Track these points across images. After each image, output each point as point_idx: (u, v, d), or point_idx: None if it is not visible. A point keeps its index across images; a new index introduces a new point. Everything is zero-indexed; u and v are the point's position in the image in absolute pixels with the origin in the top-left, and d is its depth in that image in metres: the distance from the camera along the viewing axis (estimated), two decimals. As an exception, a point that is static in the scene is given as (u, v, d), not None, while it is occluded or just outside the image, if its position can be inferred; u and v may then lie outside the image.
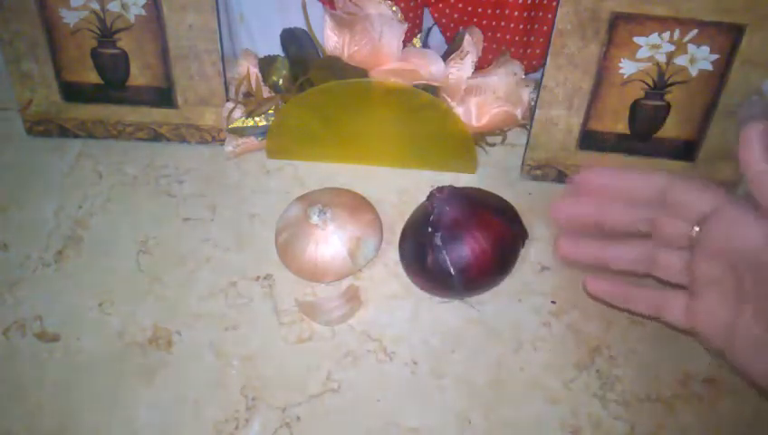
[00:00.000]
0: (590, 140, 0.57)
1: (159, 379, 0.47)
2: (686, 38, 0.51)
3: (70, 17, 0.57)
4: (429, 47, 0.60)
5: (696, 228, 0.35)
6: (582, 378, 0.47)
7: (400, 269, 0.52)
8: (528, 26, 0.60)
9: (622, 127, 0.56)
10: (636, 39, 0.52)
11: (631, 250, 0.40)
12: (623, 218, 0.39)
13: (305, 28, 0.58)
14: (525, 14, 0.60)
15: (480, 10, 0.60)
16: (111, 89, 0.60)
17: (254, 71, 0.60)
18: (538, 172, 0.59)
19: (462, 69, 0.57)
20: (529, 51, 0.62)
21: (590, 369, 0.48)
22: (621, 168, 0.39)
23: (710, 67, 0.52)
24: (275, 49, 0.60)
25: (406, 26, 0.56)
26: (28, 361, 0.48)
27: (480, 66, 0.60)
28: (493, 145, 0.62)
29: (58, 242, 0.55)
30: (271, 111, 0.59)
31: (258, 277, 0.52)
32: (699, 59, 0.52)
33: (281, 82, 0.59)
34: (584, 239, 0.41)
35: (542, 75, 0.54)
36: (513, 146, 0.61)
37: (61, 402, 0.46)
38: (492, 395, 0.46)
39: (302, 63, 0.58)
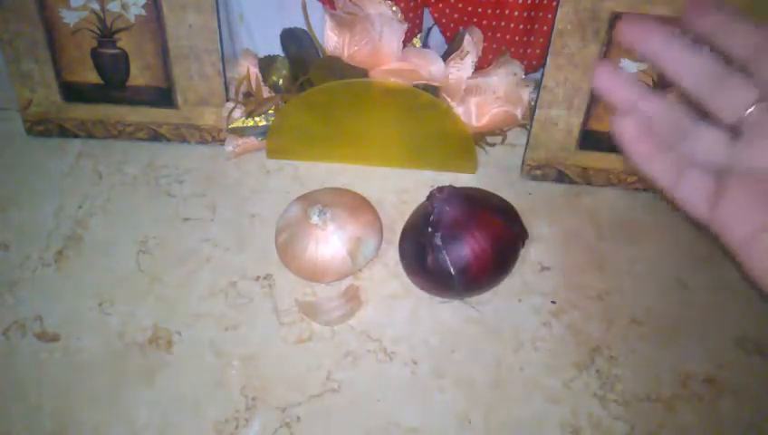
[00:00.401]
0: (590, 140, 0.57)
1: (159, 379, 0.47)
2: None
3: (70, 17, 0.57)
4: (429, 47, 0.60)
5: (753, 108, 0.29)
6: (582, 378, 0.47)
7: (400, 269, 0.52)
8: (528, 26, 0.60)
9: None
10: (636, 39, 0.52)
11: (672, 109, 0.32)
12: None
13: (305, 28, 0.58)
14: (525, 14, 0.60)
15: (480, 10, 0.60)
16: (111, 89, 0.60)
17: (254, 71, 0.60)
18: (538, 172, 0.59)
19: (462, 69, 0.57)
20: (529, 51, 0.62)
21: (590, 369, 0.48)
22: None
23: None
24: (275, 49, 0.60)
25: (406, 26, 0.56)
26: (28, 361, 0.48)
27: (480, 66, 0.60)
28: (493, 145, 0.62)
29: (58, 242, 0.55)
30: (271, 111, 0.59)
31: (258, 277, 0.52)
32: None
33: (281, 82, 0.59)
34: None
35: (542, 75, 0.54)
36: (513, 146, 0.61)
37: (61, 402, 0.46)
38: (492, 395, 0.46)
39: (302, 63, 0.58)
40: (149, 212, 0.57)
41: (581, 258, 0.54)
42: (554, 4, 0.53)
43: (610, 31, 0.51)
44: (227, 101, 0.60)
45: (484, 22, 0.60)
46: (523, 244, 0.51)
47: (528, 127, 0.58)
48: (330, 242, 0.50)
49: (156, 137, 0.62)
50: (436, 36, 0.63)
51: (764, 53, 0.29)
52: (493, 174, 0.60)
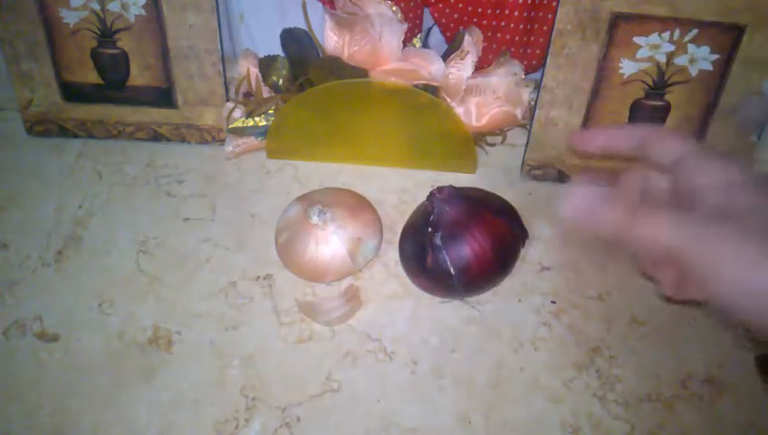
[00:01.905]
0: (590, 140, 0.57)
1: (159, 379, 0.47)
2: (686, 38, 0.51)
3: (70, 17, 0.57)
4: (429, 47, 0.60)
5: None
6: (582, 378, 0.47)
7: (400, 269, 0.52)
8: (528, 26, 0.60)
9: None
10: (636, 39, 0.52)
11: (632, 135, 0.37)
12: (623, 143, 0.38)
13: (305, 28, 0.58)
14: (525, 14, 0.60)
15: (480, 10, 0.60)
16: (111, 89, 0.60)
17: (254, 71, 0.60)
18: (538, 172, 0.59)
19: (462, 69, 0.57)
20: (529, 51, 0.62)
21: (590, 369, 0.48)
22: (609, 126, 0.39)
23: (710, 67, 0.52)
24: (275, 49, 0.60)
25: (406, 26, 0.56)
26: (28, 361, 0.48)
27: (480, 66, 0.60)
28: (493, 145, 0.62)
29: (58, 242, 0.55)
30: (271, 111, 0.59)
31: (258, 277, 0.52)
32: (699, 59, 0.52)
33: (281, 82, 0.59)
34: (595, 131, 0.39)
35: (542, 75, 0.54)
36: (513, 146, 0.61)
37: (60, 402, 0.46)
38: (492, 395, 0.46)
39: (302, 63, 0.58)
40: (149, 212, 0.57)
41: (581, 258, 0.54)
42: (554, 4, 0.53)
43: (610, 31, 0.51)
44: (227, 101, 0.60)
45: (484, 22, 0.60)
46: (524, 244, 0.51)
47: (528, 127, 0.58)
48: (330, 242, 0.50)
49: (156, 137, 0.62)
50: (436, 36, 0.63)
51: (650, 144, 0.36)
52: (493, 174, 0.60)
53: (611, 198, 0.35)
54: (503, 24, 0.61)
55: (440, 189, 0.48)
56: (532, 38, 0.61)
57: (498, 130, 0.61)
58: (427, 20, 0.62)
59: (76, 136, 0.62)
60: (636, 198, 0.38)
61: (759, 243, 0.31)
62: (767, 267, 0.30)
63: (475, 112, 0.59)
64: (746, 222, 0.32)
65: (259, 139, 0.60)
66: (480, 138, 0.60)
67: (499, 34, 0.61)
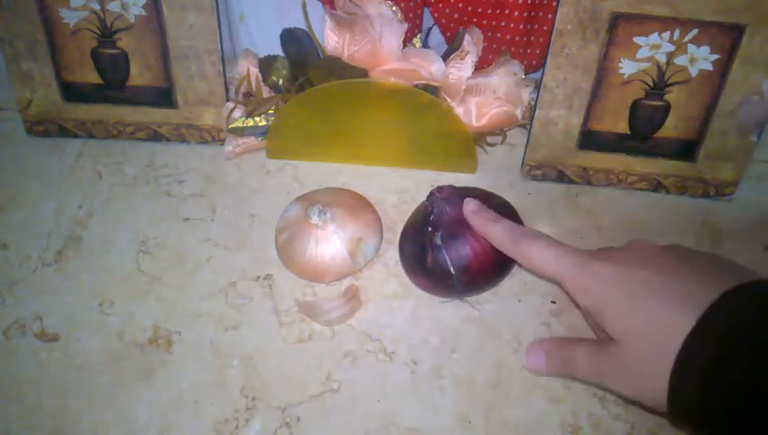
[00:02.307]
0: (590, 140, 0.57)
1: (159, 379, 0.47)
2: (686, 38, 0.51)
3: (70, 17, 0.57)
4: (429, 47, 0.60)
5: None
6: (582, 378, 0.47)
7: (400, 269, 0.52)
8: (528, 26, 0.60)
9: (622, 127, 0.56)
10: (636, 39, 0.52)
11: None
12: None
13: (305, 28, 0.58)
14: (525, 14, 0.60)
15: (480, 10, 0.60)
16: (111, 89, 0.60)
17: (254, 71, 0.60)
18: (538, 172, 0.59)
19: (462, 69, 0.57)
20: (529, 51, 0.62)
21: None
22: (486, 223, 0.46)
23: (710, 67, 0.52)
24: (275, 49, 0.60)
25: (406, 26, 0.56)
26: (28, 361, 0.48)
27: (480, 66, 0.60)
28: (493, 145, 0.62)
29: (58, 242, 0.55)
30: (271, 111, 0.59)
31: (258, 277, 0.52)
32: (699, 59, 0.52)
33: (281, 82, 0.59)
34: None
35: (542, 75, 0.54)
36: (513, 146, 0.61)
37: (60, 402, 0.46)
38: (492, 395, 0.46)
39: (302, 63, 0.58)
40: (149, 212, 0.57)
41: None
42: (554, 4, 0.53)
43: (610, 31, 0.51)
44: (227, 101, 0.60)
45: (484, 22, 0.60)
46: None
47: (528, 127, 0.58)
48: (330, 242, 0.50)
49: (156, 137, 0.62)
50: (436, 36, 0.63)
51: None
52: (493, 174, 0.60)
53: (553, 349, 0.45)
54: (503, 24, 0.61)
55: (440, 189, 0.48)
56: (532, 38, 0.61)
57: (498, 130, 0.61)
58: (427, 20, 0.62)
59: (76, 136, 0.62)
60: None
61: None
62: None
63: (475, 112, 0.59)
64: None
65: (259, 139, 0.60)
66: (480, 138, 0.60)
67: (499, 34, 0.61)
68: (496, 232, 0.45)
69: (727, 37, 0.51)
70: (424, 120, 0.57)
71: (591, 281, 0.40)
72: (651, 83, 0.54)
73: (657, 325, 0.37)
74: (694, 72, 0.53)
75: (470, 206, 0.47)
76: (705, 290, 0.36)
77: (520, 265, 0.48)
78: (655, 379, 0.36)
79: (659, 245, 0.43)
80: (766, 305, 0.35)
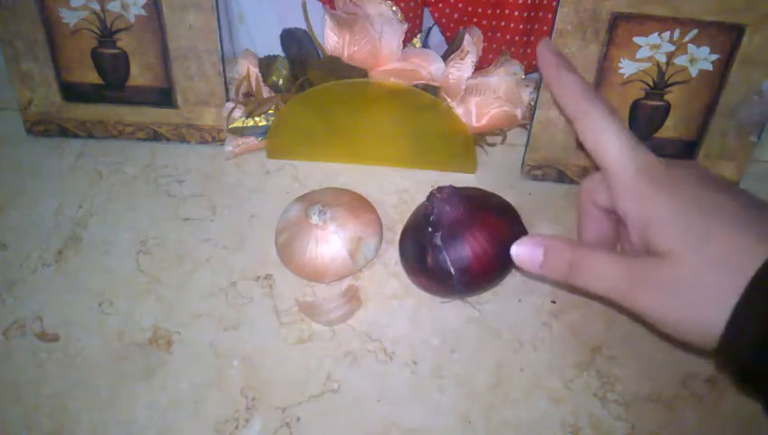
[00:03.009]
0: (591, 140, 0.57)
1: (159, 379, 0.47)
2: (687, 38, 0.51)
3: (70, 17, 0.57)
4: (429, 47, 0.60)
5: None
6: (583, 378, 0.47)
7: (400, 269, 0.52)
8: (528, 26, 0.60)
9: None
10: (636, 39, 0.52)
11: None
12: None
13: (305, 28, 0.58)
14: (525, 14, 0.60)
15: (480, 10, 0.60)
16: (111, 89, 0.60)
17: (254, 71, 0.60)
18: (538, 172, 0.59)
19: (462, 69, 0.57)
20: (529, 51, 0.62)
21: (591, 369, 0.48)
22: (559, 66, 0.41)
23: (710, 67, 0.52)
24: (275, 49, 0.60)
25: (406, 26, 0.56)
26: (28, 361, 0.48)
27: (480, 66, 0.60)
28: (493, 145, 0.62)
29: (58, 242, 0.55)
30: (271, 111, 0.59)
31: (258, 277, 0.52)
32: (699, 59, 0.52)
33: (281, 82, 0.59)
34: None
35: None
36: (513, 146, 0.61)
37: (60, 402, 0.46)
38: (492, 395, 0.46)
39: (302, 63, 0.58)
40: (149, 212, 0.57)
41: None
42: (554, 4, 0.53)
43: (610, 31, 0.51)
44: (227, 101, 0.60)
45: (485, 22, 0.61)
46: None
47: (528, 127, 0.58)
48: (330, 242, 0.50)
49: (156, 137, 0.62)
50: (436, 36, 0.63)
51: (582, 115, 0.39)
52: (493, 174, 0.60)
53: (555, 248, 0.38)
54: (503, 23, 0.61)
55: (440, 189, 0.48)
56: (532, 38, 0.61)
57: (498, 130, 0.61)
58: (427, 20, 0.62)
59: (76, 136, 0.62)
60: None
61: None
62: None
63: (475, 112, 0.59)
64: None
65: (259, 139, 0.60)
66: (480, 138, 0.60)
67: (499, 34, 0.61)
68: (568, 80, 0.39)
69: (727, 37, 0.51)
70: (424, 120, 0.57)
71: (653, 186, 0.34)
72: (651, 84, 0.54)
73: (729, 248, 0.31)
74: (694, 72, 0.53)
75: (545, 45, 0.42)
76: None
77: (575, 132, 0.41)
78: (711, 305, 0.31)
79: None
80: None
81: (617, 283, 0.35)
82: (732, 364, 0.32)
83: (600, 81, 0.54)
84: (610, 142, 0.36)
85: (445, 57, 0.57)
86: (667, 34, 0.51)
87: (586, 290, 0.38)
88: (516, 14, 0.60)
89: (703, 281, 0.32)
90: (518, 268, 0.42)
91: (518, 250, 0.39)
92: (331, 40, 0.55)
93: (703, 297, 0.31)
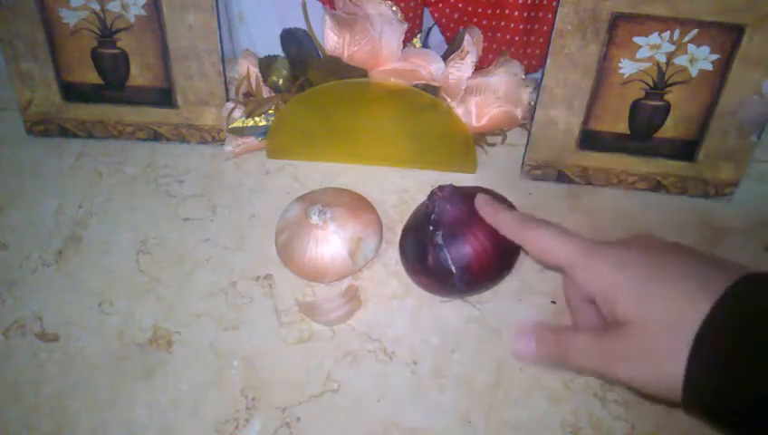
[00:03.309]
0: (590, 140, 0.57)
1: (159, 379, 0.47)
2: (687, 38, 0.51)
3: (70, 17, 0.57)
4: (429, 47, 0.60)
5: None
6: (582, 378, 0.47)
7: (400, 269, 0.52)
8: (528, 26, 0.60)
9: (622, 127, 0.56)
10: (636, 39, 0.52)
11: None
12: None
13: (305, 28, 0.58)
14: (525, 14, 0.60)
15: (480, 10, 0.60)
16: (111, 89, 0.60)
17: (254, 71, 0.60)
18: (538, 172, 0.59)
19: (462, 69, 0.57)
20: (529, 51, 0.62)
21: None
22: (497, 212, 0.46)
23: (710, 67, 0.52)
24: (275, 49, 0.60)
25: (406, 26, 0.56)
26: (28, 361, 0.48)
27: (480, 66, 0.60)
28: (493, 145, 0.62)
29: (58, 242, 0.55)
30: (271, 111, 0.59)
31: (258, 277, 0.52)
32: (699, 59, 0.52)
33: (281, 82, 0.59)
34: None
35: (542, 75, 0.54)
36: (513, 146, 0.61)
37: (60, 402, 0.46)
38: (492, 395, 0.46)
39: (302, 63, 0.58)
40: (149, 212, 0.57)
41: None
42: (554, 4, 0.53)
43: (611, 31, 0.51)
44: (227, 101, 0.60)
45: (485, 22, 0.61)
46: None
47: (528, 127, 0.58)
48: (330, 242, 0.50)
49: (156, 137, 0.62)
50: (437, 36, 0.63)
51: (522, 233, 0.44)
52: (493, 174, 0.60)
53: (541, 337, 0.42)
54: (503, 23, 0.61)
55: (441, 188, 0.48)
56: (532, 38, 0.61)
57: (498, 130, 0.61)
58: (427, 20, 0.62)
59: (76, 136, 0.62)
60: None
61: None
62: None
63: (475, 112, 0.59)
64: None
65: (259, 139, 0.60)
66: (480, 138, 0.60)
67: (499, 34, 0.61)
68: (506, 220, 0.45)
69: (727, 37, 0.51)
70: (424, 120, 0.57)
71: (602, 264, 0.39)
72: (651, 83, 0.54)
73: (675, 307, 0.35)
74: (694, 71, 0.53)
75: (481, 198, 0.47)
76: (720, 274, 0.35)
77: (527, 253, 0.46)
78: (669, 362, 0.35)
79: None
80: None
81: (595, 357, 0.39)
82: (698, 411, 0.36)
83: (600, 81, 0.54)
84: (554, 247, 0.42)
85: (445, 57, 0.57)
86: (667, 34, 0.51)
87: (574, 368, 0.44)
88: (516, 14, 0.60)
89: (659, 343, 0.36)
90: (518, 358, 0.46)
91: (515, 347, 0.43)
92: (331, 40, 0.55)
93: (662, 357, 0.35)
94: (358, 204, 0.53)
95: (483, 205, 0.47)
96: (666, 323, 0.36)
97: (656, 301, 0.36)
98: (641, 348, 0.37)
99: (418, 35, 0.60)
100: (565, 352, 0.41)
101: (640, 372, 0.37)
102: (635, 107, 0.55)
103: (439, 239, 0.47)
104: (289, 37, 0.59)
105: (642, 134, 0.56)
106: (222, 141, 0.61)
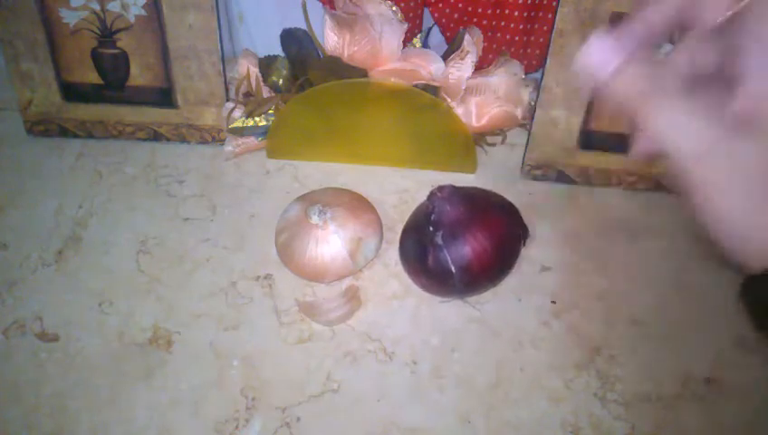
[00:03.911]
0: (590, 140, 0.57)
1: (159, 379, 0.47)
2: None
3: (70, 17, 0.57)
4: (429, 47, 0.60)
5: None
6: (583, 378, 0.47)
7: (400, 269, 0.52)
8: (528, 26, 0.60)
9: (622, 127, 0.56)
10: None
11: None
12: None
13: (305, 28, 0.58)
14: (525, 14, 0.60)
15: (480, 10, 0.60)
16: (111, 89, 0.60)
17: (254, 71, 0.60)
18: (538, 172, 0.59)
19: (462, 69, 0.57)
20: (529, 51, 0.62)
21: (591, 369, 0.48)
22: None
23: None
24: (275, 49, 0.60)
25: (406, 26, 0.56)
26: (28, 361, 0.48)
27: (480, 66, 0.60)
28: (493, 145, 0.62)
29: (58, 242, 0.55)
30: (271, 111, 0.59)
31: (258, 277, 0.52)
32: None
33: (281, 82, 0.59)
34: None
35: (542, 75, 0.54)
36: (513, 146, 0.61)
37: (60, 402, 0.46)
38: (492, 395, 0.46)
39: (302, 63, 0.58)
40: (149, 212, 0.57)
41: (581, 258, 0.54)
42: (554, 4, 0.53)
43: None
44: (227, 101, 0.60)
45: (485, 22, 0.60)
46: (524, 243, 0.51)
47: (528, 127, 0.58)
48: (330, 242, 0.50)
49: (156, 137, 0.62)
50: (437, 36, 0.63)
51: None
52: (493, 174, 0.60)
53: (637, 60, 0.28)
54: (503, 23, 0.61)
55: (441, 189, 0.48)
56: (532, 38, 0.61)
57: (498, 130, 0.61)
58: (427, 20, 0.62)
59: (76, 136, 0.62)
60: (666, 71, 0.28)
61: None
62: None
63: (475, 112, 0.59)
64: None
65: (259, 139, 0.60)
66: (480, 138, 0.60)
67: (499, 34, 0.61)
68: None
69: None
70: (424, 120, 0.57)
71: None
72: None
73: None
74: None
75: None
76: None
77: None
78: None
79: None
80: None
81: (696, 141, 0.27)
82: None
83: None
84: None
85: (445, 57, 0.57)
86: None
87: (654, 137, 0.28)
88: (516, 14, 0.60)
89: None
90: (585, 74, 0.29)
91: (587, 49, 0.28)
92: (331, 40, 0.55)
93: None
94: (358, 204, 0.53)
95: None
96: None
97: None
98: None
99: (418, 35, 0.60)
100: (657, 106, 0.27)
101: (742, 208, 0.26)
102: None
103: (439, 240, 0.47)
104: (289, 37, 0.59)
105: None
106: (222, 141, 0.61)
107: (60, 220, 0.56)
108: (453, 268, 0.47)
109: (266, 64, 0.59)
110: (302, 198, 0.53)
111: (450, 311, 0.51)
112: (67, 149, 0.62)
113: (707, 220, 0.27)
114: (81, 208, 0.57)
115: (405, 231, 0.51)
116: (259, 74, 0.60)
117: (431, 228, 0.47)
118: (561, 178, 0.59)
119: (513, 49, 0.62)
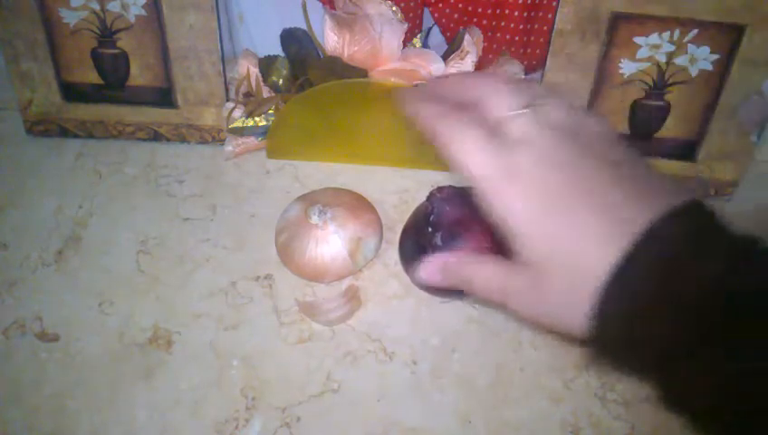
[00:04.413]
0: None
1: (159, 379, 0.47)
2: (687, 38, 0.51)
3: (70, 17, 0.57)
4: (429, 47, 0.60)
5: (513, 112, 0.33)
6: (582, 378, 0.47)
7: (400, 269, 0.52)
8: (528, 26, 0.60)
9: (622, 127, 0.56)
10: (636, 39, 0.52)
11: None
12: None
13: (305, 28, 0.58)
14: (525, 14, 0.60)
15: (480, 10, 0.60)
16: (111, 89, 0.60)
17: (254, 71, 0.60)
18: (538, 172, 0.59)
19: (462, 69, 0.57)
20: (529, 51, 0.62)
21: (591, 369, 0.48)
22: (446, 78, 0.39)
23: (710, 67, 0.52)
24: (275, 49, 0.60)
25: (406, 26, 0.56)
26: (28, 361, 0.48)
27: (480, 66, 0.60)
28: (493, 145, 0.61)
29: (58, 242, 0.55)
30: (271, 111, 0.59)
31: (258, 277, 0.52)
32: (699, 59, 0.52)
33: (281, 82, 0.59)
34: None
35: (542, 75, 0.54)
36: (513, 146, 0.61)
37: (60, 403, 0.46)
38: (492, 395, 0.46)
39: (302, 63, 0.58)
40: (149, 212, 0.57)
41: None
42: (554, 4, 0.53)
43: (611, 31, 0.51)
44: (227, 101, 0.60)
45: (485, 22, 0.60)
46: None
47: (528, 127, 0.57)
48: (330, 242, 0.50)
49: (156, 137, 0.62)
50: (437, 36, 0.63)
51: (489, 95, 0.34)
52: (493, 174, 0.59)
53: (449, 265, 0.37)
54: (503, 23, 0.61)
55: (440, 189, 0.48)
56: (532, 38, 0.61)
57: (498, 130, 0.61)
58: (427, 20, 0.62)
59: (76, 136, 0.62)
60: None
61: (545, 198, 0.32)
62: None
63: (475, 112, 0.58)
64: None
65: (259, 139, 0.60)
66: (480, 138, 0.60)
67: (499, 34, 0.61)
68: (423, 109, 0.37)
69: (727, 37, 0.51)
70: (424, 120, 0.56)
71: (518, 197, 0.33)
72: (651, 83, 0.54)
73: (583, 249, 0.31)
74: (694, 71, 0.53)
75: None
76: (645, 207, 0.30)
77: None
78: (570, 309, 0.31)
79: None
80: (692, 236, 0.30)
81: (498, 292, 0.35)
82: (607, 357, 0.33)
83: (600, 81, 0.54)
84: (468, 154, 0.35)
85: (445, 57, 0.57)
86: (667, 34, 0.51)
87: (482, 299, 0.37)
88: (516, 14, 0.60)
89: (561, 294, 0.32)
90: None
91: (418, 274, 0.38)
92: (331, 40, 0.55)
93: (564, 304, 0.32)
94: (358, 204, 0.53)
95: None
96: (570, 268, 0.32)
97: (564, 241, 0.32)
98: (542, 291, 0.33)
99: (418, 35, 0.60)
100: (470, 282, 0.37)
101: (540, 312, 0.33)
102: (635, 107, 0.55)
103: (438, 241, 0.47)
104: (289, 37, 0.59)
105: (642, 134, 0.56)
106: (222, 141, 0.61)
107: (60, 220, 0.56)
108: (453, 268, 0.47)
109: (266, 64, 0.59)
110: (302, 198, 0.53)
111: (450, 311, 0.51)
112: (67, 149, 0.62)
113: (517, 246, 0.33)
114: (81, 208, 0.57)
115: (404, 232, 0.51)
116: (259, 74, 0.60)
117: (430, 229, 0.47)
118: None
119: (513, 49, 0.62)
